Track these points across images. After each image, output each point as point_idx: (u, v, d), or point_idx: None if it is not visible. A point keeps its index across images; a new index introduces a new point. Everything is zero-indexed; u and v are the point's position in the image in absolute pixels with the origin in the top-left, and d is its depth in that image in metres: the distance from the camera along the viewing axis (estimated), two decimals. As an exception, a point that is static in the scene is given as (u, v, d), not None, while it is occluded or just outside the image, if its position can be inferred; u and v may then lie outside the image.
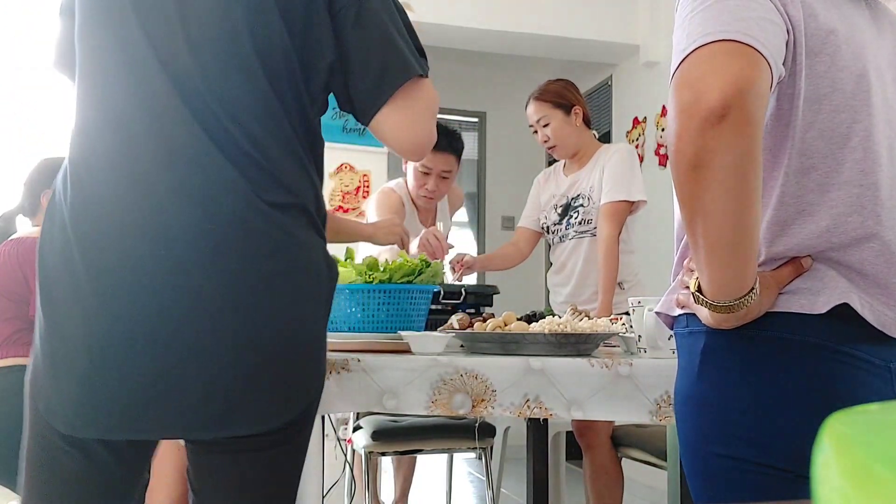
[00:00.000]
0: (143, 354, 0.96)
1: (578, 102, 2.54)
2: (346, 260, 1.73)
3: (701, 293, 0.90)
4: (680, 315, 1.02)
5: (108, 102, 1.02)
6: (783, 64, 0.89)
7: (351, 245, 1.88)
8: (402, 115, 1.11)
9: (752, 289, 0.87)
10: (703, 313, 0.93)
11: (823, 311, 0.90)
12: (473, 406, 1.33)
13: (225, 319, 0.98)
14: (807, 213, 0.93)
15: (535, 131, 2.57)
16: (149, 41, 1.01)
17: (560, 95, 2.52)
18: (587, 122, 2.57)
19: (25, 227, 2.18)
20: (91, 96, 1.04)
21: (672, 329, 1.06)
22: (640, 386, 1.38)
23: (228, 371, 0.98)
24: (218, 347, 0.97)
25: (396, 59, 1.09)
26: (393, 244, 2.15)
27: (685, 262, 1.01)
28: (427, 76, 1.13)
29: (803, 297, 0.92)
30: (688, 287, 0.95)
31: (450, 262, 2.49)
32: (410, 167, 2.72)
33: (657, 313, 1.09)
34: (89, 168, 1.01)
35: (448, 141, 2.68)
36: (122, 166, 0.99)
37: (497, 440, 2.64)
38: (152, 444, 1.15)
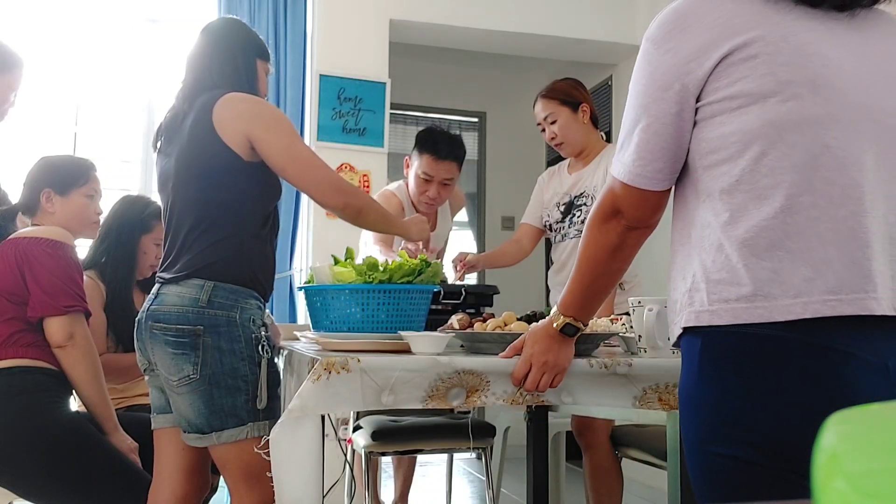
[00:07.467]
0: None
1: (586, 100, 2.55)
2: (346, 260, 1.72)
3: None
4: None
5: None
6: (697, 98, 1.03)
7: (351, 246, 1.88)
8: None
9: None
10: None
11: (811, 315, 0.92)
12: (468, 396, 1.33)
13: None
14: (762, 196, 0.95)
15: (543, 129, 2.57)
16: None
17: (567, 93, 2.53)
18: (594, 120, 2.58)
19: (25, 227, 2.18)
20: None
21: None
22: (630, 377, 1.39)
23: None
24: None
25: None
26: (423, 240, 2.11)
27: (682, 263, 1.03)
28: None
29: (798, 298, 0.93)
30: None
31: (452, 262, 2.49)
32: (412, 172, 2.71)
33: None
34: None
35: (450, 148, 2.66)
36: None
37: (497, 440, 2.64)
38: None
